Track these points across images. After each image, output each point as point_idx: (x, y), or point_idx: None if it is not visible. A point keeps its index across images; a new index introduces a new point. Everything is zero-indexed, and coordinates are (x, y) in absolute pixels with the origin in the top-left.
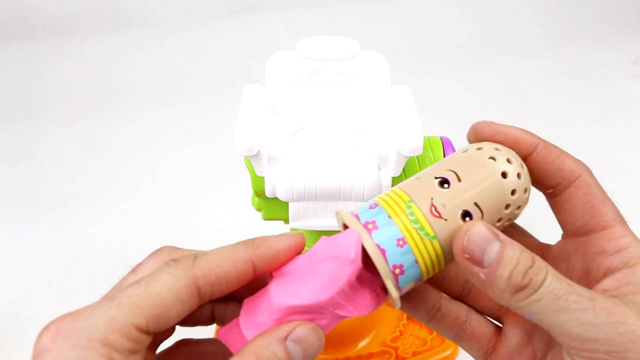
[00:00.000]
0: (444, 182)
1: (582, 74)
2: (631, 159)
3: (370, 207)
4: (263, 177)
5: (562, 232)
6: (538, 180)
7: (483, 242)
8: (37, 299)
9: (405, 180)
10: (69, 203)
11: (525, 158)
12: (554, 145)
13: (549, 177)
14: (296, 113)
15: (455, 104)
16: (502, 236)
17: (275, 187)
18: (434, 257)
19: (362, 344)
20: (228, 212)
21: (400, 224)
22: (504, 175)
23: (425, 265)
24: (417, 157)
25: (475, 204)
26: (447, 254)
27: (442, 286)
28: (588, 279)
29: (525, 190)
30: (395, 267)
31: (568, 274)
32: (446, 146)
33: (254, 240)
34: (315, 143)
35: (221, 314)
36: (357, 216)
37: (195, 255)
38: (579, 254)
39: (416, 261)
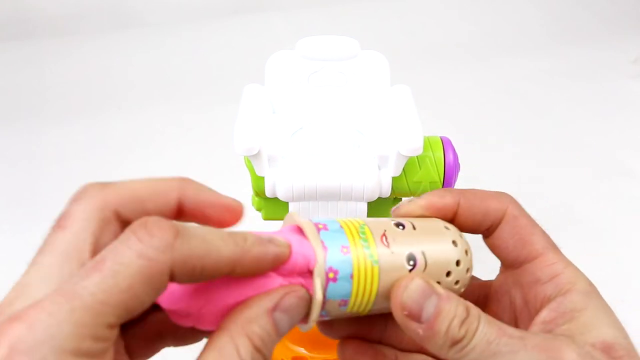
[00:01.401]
0: (400, 224)
1: (582, 74)
2: (631, 159)
3: (325, 219)
4: (263, 177)
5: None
6: (473, 228)
7: (421, 298)
8: None
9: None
10: None
11: (453, 217)
12: (473, 192)
13: (480, 224)
14: (296, 113)
15: (455, 104)
16: (439, 289)
17: (275, 187)
18: (368, 283)
19: None
20: None
21: (349, 235)
22: (454, 243)
23: (357, 288)
24: (417, 157)
25: (423, 253)
26: (380, 292)
27: (401, 342)
28: (528, 309)
29: (468, 270)
30: (331, 269)
31: (511, 306)
32: (446, 146)
33: (244, 240)
34: (315, 143)
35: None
36: (310, 220)
37: (177, 230)
38: (517, 286)
39: (351, 276)
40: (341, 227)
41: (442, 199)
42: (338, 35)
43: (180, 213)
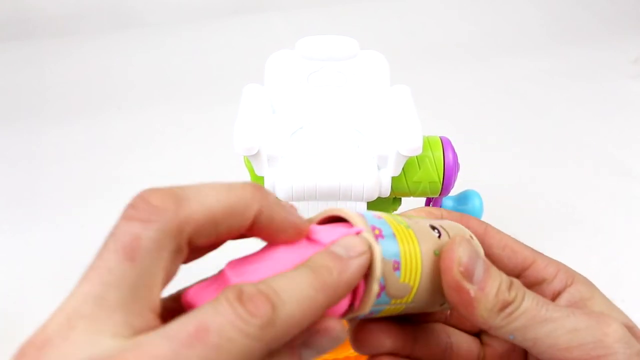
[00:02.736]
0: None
1: (582, 74)
2: (631, 159)
3: None
4: (263, 177)
5: None
6: None
7: (473, 256)
8: (37, 299)
9: None
10: (69, 203)
11: None
12: (452, 212)
13: None
14: (296, 113)
15: (455, 104)
16: (482, 255)
17: (275, 186)
18: (410, 243)
19: None
20: None
21: (374, 212)
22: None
23: (403, 246)
24: (416, 156)
25: (441, 225)
26: (424, 256)
27: (429, 357)
28: None
29: (472, 237)
30: (374, 227)
31: None
32: (446, 146)
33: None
34: (314, 143)
35: None
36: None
37: (274, 304)
38: None
39: (394, 234)
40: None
41: (427, 212)
42: (338, 35)
43: (249, 230)
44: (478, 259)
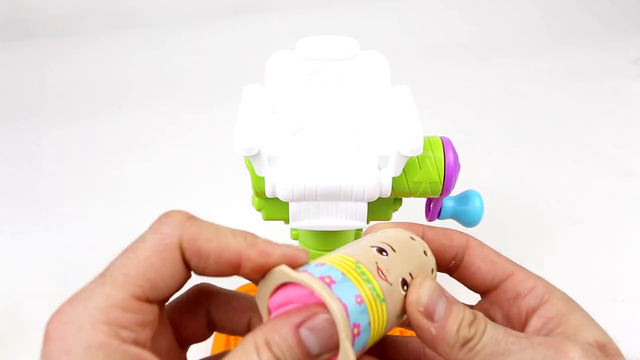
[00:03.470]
0: (381, 250)
1: (582, 74)
2: (631, 159)
3: (317, 265)
4: (263, 177)
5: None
6: (439, 259)
7: (435, 297)
8: (37, 299)
9: (339, 248)
10: (69, 203)
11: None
12: (434, 227)
13: (446, 253)
14: (296, 113)
15: (455, 104)
16: (447, 294)
17: (275, 187)
18: (381, 323)
19: None
20: (228, 212)
21: (355, 282)
22: (425, 253)
23: (373, 332)
24: (417, 157)
25: (410, 274)
26: (389, 323)
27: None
28: (512, 324)
29: (432, 271)
30: (354, 325)
31: None
32: (446, 146)
33: (254, 237)
34: (315, 143)
35: (218, 318)
36: (306, 271)
37: (189, 215)
38: (496, 306)
39: (369, 324)
40: (343, 273)
41: (410, 227)
42: (338, 35)
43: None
44: (440, 298)
